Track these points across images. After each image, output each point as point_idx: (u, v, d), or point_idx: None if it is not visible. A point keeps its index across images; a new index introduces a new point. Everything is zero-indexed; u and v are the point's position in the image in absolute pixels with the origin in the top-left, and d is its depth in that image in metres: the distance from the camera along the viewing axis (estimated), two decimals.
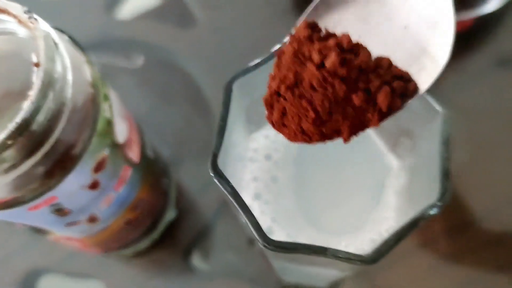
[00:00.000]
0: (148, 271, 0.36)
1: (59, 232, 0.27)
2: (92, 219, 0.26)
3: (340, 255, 0.18)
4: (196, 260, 0.36)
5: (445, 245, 0.35)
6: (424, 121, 0.22)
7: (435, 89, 0.19)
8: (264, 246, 0.18)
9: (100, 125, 0.22)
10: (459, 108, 0.35)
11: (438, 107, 0.21)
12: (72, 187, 0.22)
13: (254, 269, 0.36)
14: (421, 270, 0.35)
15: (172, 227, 0.37)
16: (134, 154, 0.27)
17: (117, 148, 0.24)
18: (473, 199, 0.36)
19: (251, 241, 0.36)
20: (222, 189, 0.20)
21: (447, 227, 0.36)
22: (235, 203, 0.19)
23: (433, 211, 0.19)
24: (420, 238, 0.36)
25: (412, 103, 0.18)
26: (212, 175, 0.20)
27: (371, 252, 0.18)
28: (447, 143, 0.20)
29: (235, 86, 0.22)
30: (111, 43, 0.43)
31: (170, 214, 0.36)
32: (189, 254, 0.36)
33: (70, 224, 0.25)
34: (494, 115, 0.39)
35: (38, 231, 0.27)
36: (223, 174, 0.20)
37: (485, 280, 0.35)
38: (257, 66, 0.22)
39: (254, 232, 0.19)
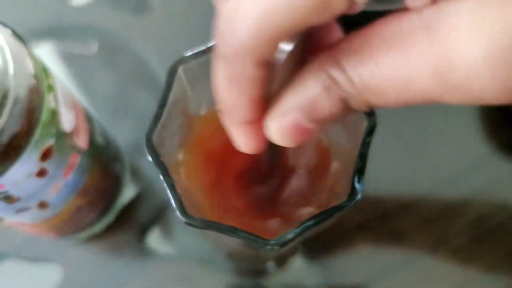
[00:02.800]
0: (104, 253, 0.37)
1: (10, 219, 0.27)
2: (42, 205, 0.27)
3: (248, 237, 0.19)
4: (152, 242, 0.37)
5: (382, 228, 0.38)
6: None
7: None
8: (186, 223, 0.20)
9: (45, 115, 0.23)
10: None
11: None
12: (18, 175, 0.23)
13: (209, 251, 0.37)
14: (364, 251, 0.37)
15: (128, 210, 0.38)
16: (82, 141, 0.28)
17: (64, 136, 0.25)
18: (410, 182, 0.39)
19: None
20: (154, 164, 0.21)
21: (385, 209, 0.38)
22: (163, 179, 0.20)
23: (339, 211, 0.20)
24: (357, 220, 0.38)
25: None
26: (146, 151, 0.21)
27: (276, 238, 0.20)
28: (367, 141, 0.21)
29: (180, 71, 0.22)
30: (66, 30, 0.43)
31: (124, 198, 0.37)
32: (145, 236, 0.37)
33: (20, 210, 0.26)
34: None
35: None
36: (155, 149, 0.21)
37: (424, 259, 0.37)
38: (198, 54, 0.23)
39: (176, 209, 0.20)
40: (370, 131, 0.21)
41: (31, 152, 0.23)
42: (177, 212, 0.20)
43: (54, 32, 0.43)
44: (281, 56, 0.17)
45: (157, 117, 0.21)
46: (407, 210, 0.38)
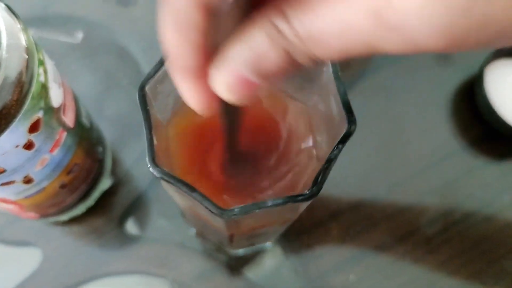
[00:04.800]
0: (83, 237, 0.38)
1: None
2: (27, 180, 0.28)
3: (202, 199, 0.20)
4: (131, 226, 0.38)
5: (355, 216, 0.39)
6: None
7: None
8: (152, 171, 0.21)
9: (35, 88, 0.24)
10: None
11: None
12: (7, 145, 0.24)
13: (185, 235, 0.38)
14: (337, 239, 0.38)
15: (108, 195, 0.38)
16: (69, 119, 0.28)
17: (52, 111, 0.26)
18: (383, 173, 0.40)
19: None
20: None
21: (359, 199, 0.39)
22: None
23: (293, 202, 0.21)
24: (331, 208, 0.39)
25: None
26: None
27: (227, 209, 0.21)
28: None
29: (148, 89, 0.23)
30: (51, 18, 0.44)
31: (105, 182, 0.37)
32: (123, 221, 0.38)
33: (5, 184, 0.27)
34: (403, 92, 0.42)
35: None
36: (145, 98, 0.22)
37: (395, 247, 0.38)
38: (158, 68, 0.23)
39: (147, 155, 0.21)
40: (345, 138, 0.22)
41: (20, 122, 0.23)
42: (147, 159, 0.21)
43: (38, 20, 0.44)
44: (225, 6, 0.17)
45: (154, 70, 0.22)
46: (380, 200, 0.39)
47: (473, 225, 0.39)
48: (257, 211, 0.21)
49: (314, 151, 0.27)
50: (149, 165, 0.21)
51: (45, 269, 0.37)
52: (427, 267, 0.38)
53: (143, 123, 0.22)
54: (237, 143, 0.24)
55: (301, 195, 0.21)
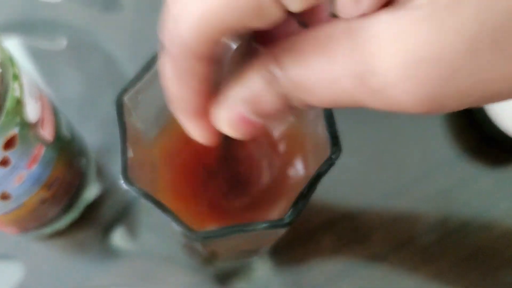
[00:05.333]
0: (68, 251, 0.37)
1: None
2: (4, 196, 0.26)
3: (174, 218, 0.20)
4: (116, 240, 0.37)
5: (347, 227, 0.38)
6: None
7: None
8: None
9: (9, 103, 0.23)
10: None
11: None
12: None
13: (173, 248, 0.37)
14: (329, 250, 0.37)
15: (93, 206, 0.37)
16: (47, 133, 0.27)
17: (28, 127, 0.25)
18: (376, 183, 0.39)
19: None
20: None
21: (351, 209, 0.38)
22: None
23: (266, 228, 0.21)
24: (322, 219, 0.38)
25: None
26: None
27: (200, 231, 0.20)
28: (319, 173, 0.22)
29: (127, 100, 0.22)
30: (34, 24, 0.43)
31: (89, 193, 0.36)
32: (109, 234, 0.37)
33: None
34: None
35: None
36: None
37: (389, 258, 0.37)
38: (140, 77, 0.23)
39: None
40: (327, 166, 0.22)
41: None
42: (121, 172, 0.20)
43: (22, 26, 0.42)
44: (228, 52, 0.18)
45: (135, 80, 0.22)
46: (373, 210, 0.38)
47: (469, 234, 0.38)
48: (227, 236, 0.20)
49: (304, 173, 0.26)
50: (121, 178, 0.20)
51: (28, 284, 0.36)
52: (423, 277, 0.37)
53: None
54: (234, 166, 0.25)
55: (274, 221, 0.20)
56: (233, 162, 0.25)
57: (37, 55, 0.42)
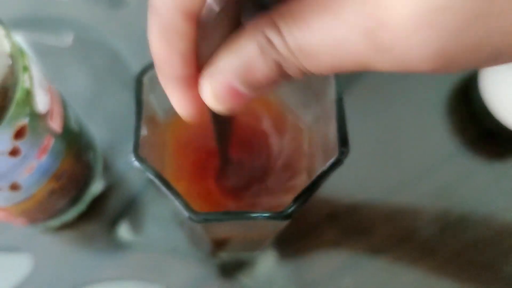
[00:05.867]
0: (75, 243, 0.38)
1: None
2: (14, 187, 0.27)
3: (177, 198, 0.20)
4: (122, 232, 0.38)
5: (350, 220, 0.38)
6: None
7: None
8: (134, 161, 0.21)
9: (20, 94, 0.23)
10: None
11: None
12: None
13: (178, 240, 0.37)
14: (331, 243, 0.38)
15: (100, 200, 0.38)
16: (56, 124, 0.28)
17: (38, 117, 0.25)
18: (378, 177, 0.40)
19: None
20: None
21: (354, 202, 0.39)
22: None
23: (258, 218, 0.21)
24: (326, 212, 0.38)
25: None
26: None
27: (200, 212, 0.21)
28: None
29: (146, 80, 0.23)
30: (41, 21, 0.43)
31: (96, 187, 0.37)
32: (115, 227, 0.38)
33: None
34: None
35: None
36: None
37: (390, 251, 0.38)
38: None
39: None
40: (333, 166, 0.22)
41: (5, 129, 0.23)
42: (132, 148, 0.21)
43: (29, 23, 0.43)
44: (212, 15, 0.17)
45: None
46: (375, 204, 0.39)
47: (468, 228, 0.38)
48: (226, 220, 0.20)
49: (308, 169, 0.26)
50: (131, 155, 0.21)
51: (36, 276, 0.36)
52: (424, 270, 0.37)
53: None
54: (228, 150, 0.24)
55: (273, 213, 0.21)
56: (244, 154, 0.25)
57: (43, 51, 0.42)
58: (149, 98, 0.23)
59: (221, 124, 0.21)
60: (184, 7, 0.15)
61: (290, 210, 0.21)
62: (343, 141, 0.22)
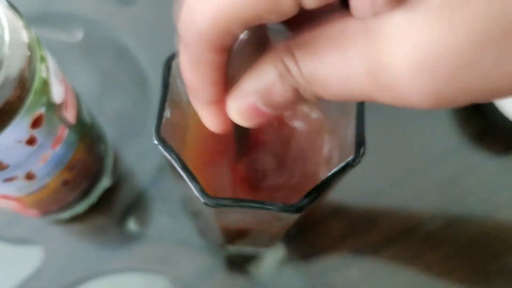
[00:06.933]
0: (85, 235, 0.38)
1: None
2: (29, 176, 0.28)
3: (195, 184, 0.21)
4: (132, 225, 0.38)
5: (356, 213, 0.39)
6: None
7: None
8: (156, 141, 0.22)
9: (37, 83, 0.24)
10: None
11: None
12: (9, 140, 0.24)
13: (187, 232, 0.38)
14: (338, 235, 0.38)
15: (109, 193, 0.38)
16: (70, 115, 0.28)
17: (54, 107, 0.26)
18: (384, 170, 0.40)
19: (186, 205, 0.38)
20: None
21: (360, 195, 0.39)
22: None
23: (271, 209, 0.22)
24: (333, 205, 0.39)
25: None
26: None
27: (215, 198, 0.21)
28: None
29: (175, 65, 0.24)
30: (51, 17, 0.44)
31: (106, 180, 0.37)
32: (125, 219, 0.38)
33: (8, 179, 0.27)
34: None
35: None
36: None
37: (396, 243, 0.38)
38: None
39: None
40: (347, 168, 0.23)
41: (23, 118, 0.23)
42: (154, 128, 0.21)
43: (39, 19, 0.44)
44: (239, 44, 0.19)
45: None
46: (380, 198, 0.39)
47: (473, 221, 0.39)
48: (237, 207, 0.21)
49: (325, 164, 0.27)
50: (154, 137, 0.21)
51: (46, 267, 0.37)
52: (428, 262, 0.38)
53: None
54: (246, 153, 0.26)
55: (281, 205, 0.21)
56: (263, 150, 0.26)
57: (53, 48, 0.43)
58: (176, 83, 0.23)
59: (241, 133, 0.24)
60: (215, 43, 0.17)
61: (301, 204, 0.22)
62: (359, 145, 0.23)
